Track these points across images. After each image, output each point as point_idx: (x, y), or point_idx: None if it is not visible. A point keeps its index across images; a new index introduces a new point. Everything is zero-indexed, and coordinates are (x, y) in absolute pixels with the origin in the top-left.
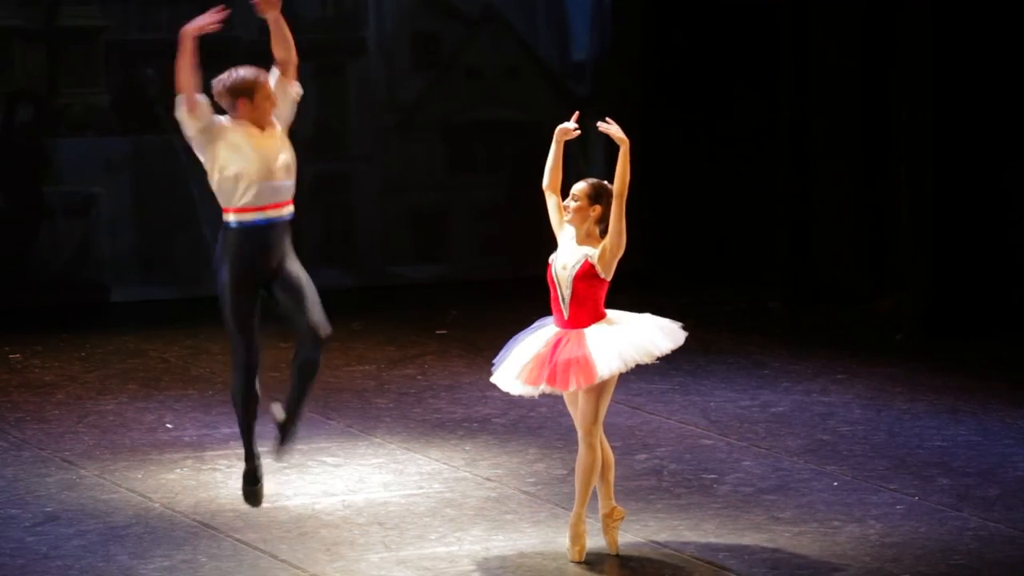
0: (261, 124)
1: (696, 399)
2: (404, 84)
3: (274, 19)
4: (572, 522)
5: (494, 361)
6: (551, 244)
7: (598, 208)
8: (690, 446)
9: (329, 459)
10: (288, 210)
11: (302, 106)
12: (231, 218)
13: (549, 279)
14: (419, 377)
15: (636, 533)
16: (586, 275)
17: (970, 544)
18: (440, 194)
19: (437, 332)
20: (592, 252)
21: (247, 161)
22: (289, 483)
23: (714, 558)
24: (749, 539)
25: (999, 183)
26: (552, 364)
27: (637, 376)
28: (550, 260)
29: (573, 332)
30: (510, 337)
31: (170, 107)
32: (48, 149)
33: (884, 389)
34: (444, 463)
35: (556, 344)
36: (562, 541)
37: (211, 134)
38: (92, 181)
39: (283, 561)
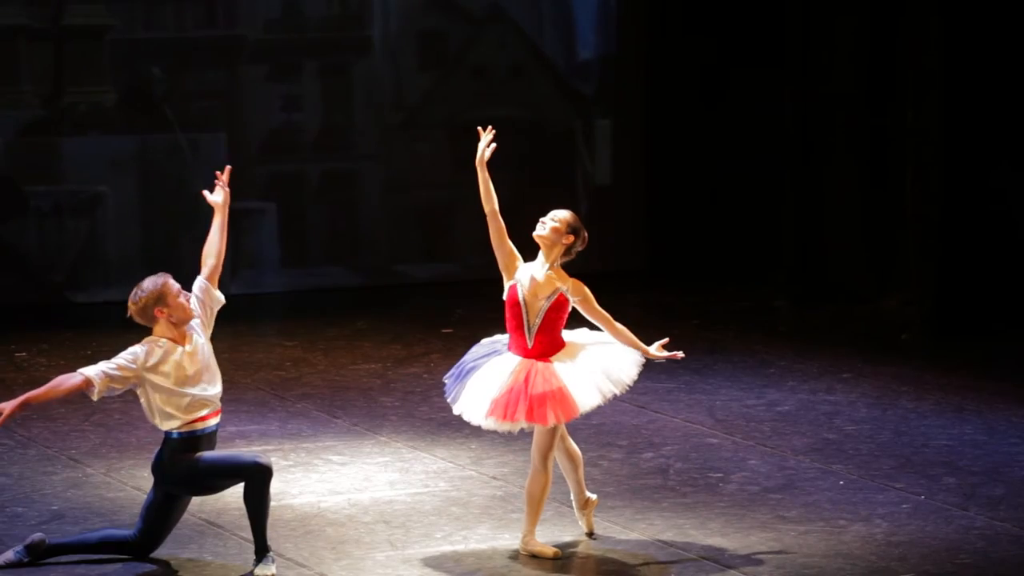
0: (182, 330)
1: (702, 398)
2: (410, 83)
3: (221, 220)
4: (526, 541)
5: (445, 379)
6: None
7: (571, 238)
8: (696, 445)
9: (335, 457)
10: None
11: (309, 104)
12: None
13: (512, 301)
14: (425, 375)
15: (642, 532)
16: (559, 307)
17: (976, 543)
18: (446, 193)
19: (443, 331)
20: (563, 287)
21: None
22: (295, 481)
23: (720, 557)
24: (755, 538)
25: (1004, 183)
26: (528, 399)
27: (642, 375)
28: (514, 282)
29: (540, 364)
30: None
31: (171, 109)
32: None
33: (890, 388)
34: (450, 462)
35: (527, 377)
36: (567, 539)
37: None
38: (98, 180)
39: (289, 559)
